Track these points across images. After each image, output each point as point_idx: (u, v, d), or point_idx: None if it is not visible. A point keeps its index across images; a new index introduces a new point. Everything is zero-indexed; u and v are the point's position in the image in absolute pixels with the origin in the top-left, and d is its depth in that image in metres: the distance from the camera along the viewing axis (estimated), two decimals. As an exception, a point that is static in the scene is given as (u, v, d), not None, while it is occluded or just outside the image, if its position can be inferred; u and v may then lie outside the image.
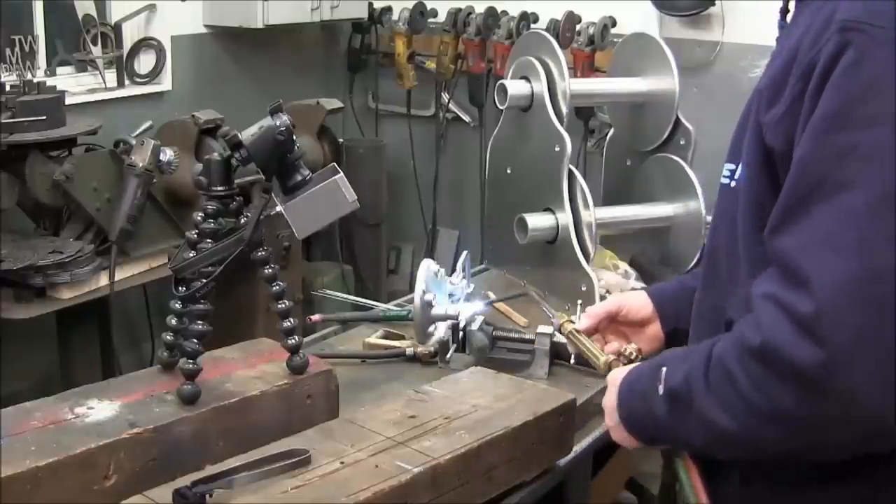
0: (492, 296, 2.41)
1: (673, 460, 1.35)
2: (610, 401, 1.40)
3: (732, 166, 1.27)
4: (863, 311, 1.02)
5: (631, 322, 1.65)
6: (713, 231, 1.35)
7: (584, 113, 3.95)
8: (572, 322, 1.69)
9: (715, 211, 1.35)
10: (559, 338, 1.98)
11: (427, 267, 1.94)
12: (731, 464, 1.27)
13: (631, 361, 1.52)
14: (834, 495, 1.19)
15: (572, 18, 3.99)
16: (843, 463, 1.15)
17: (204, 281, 1.47)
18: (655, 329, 1.64)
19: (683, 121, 2.54)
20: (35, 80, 3.15)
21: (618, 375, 1.40)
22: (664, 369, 1.25)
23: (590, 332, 1.65)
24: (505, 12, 4.24)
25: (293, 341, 1.58)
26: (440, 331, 1.94)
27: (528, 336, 2.02)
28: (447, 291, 1.98)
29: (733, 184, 1.26)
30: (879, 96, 1.04)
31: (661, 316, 1.64)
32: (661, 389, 1.24)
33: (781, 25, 1.35)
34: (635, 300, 1.67)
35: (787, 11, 1.31)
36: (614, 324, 1.66)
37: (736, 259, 1.24)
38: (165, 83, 3.96)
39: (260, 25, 3.98)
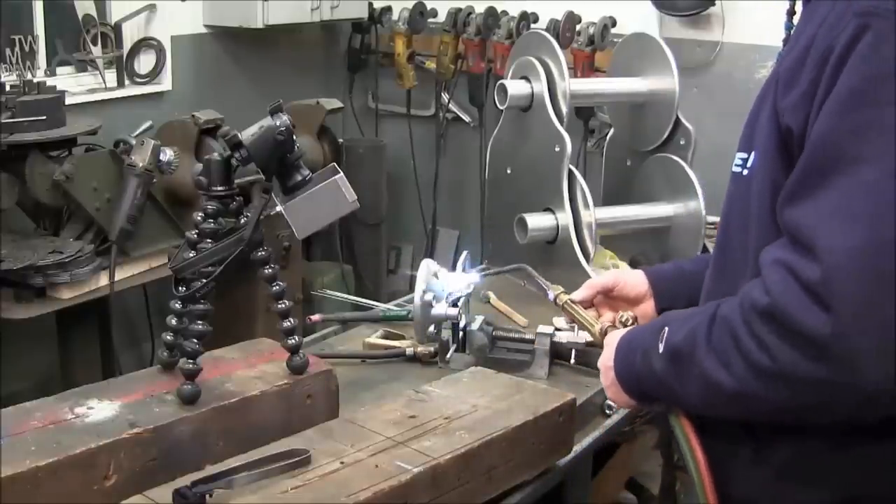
0: (492, 295, 2.41)
1: (668, 417, 1.36)
2: (605, 360, 1.43)
3: (745, 155, 1.30)
4: (869, 280, 1.05)
5: (625, 298, 1.68)
6: (725, 219, 1.38)
7: (584, 113, 3.95)
8: (567, 293, 1.71)
9: (726, 199, 1.37)
10: (559, 337, 1.98)
11: (427, 267, 1.94)
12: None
13: (626, 327, 1.54)
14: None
15: (572, 18, 3.99)
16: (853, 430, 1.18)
17: (204, 281, 1.47)
18: (648, 307, 1.67)
19: (683, 121, 2.54)
20: (35, 80, 3.15)
21: (615, 336, 1.44)
22: (666, 328, 1.28)
23: (585, 304, 1.69)
24: (505, 12, 4.24)
25: (293, 341, 1.58)
26: (438, 309, 1.91)
27: (528, 336, 2.02)
28: (447, 291, 1.97)
29: (745, 172, 1.29)
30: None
31: (657, 294, 1.67)
32: (661, 347, 1.27)
33: (788, 27, 1.38)
34: (631, 277, 1.71)
35: (794, 13, 1.34)
36: (608, 299, 1.70)
37: (748, 245, 1.27)
38: (165, 83, 3.96)
39: (260, 25, 3.98)
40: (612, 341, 1.44)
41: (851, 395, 1.08)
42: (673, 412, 1.35)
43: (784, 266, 1.11)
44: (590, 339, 1.92)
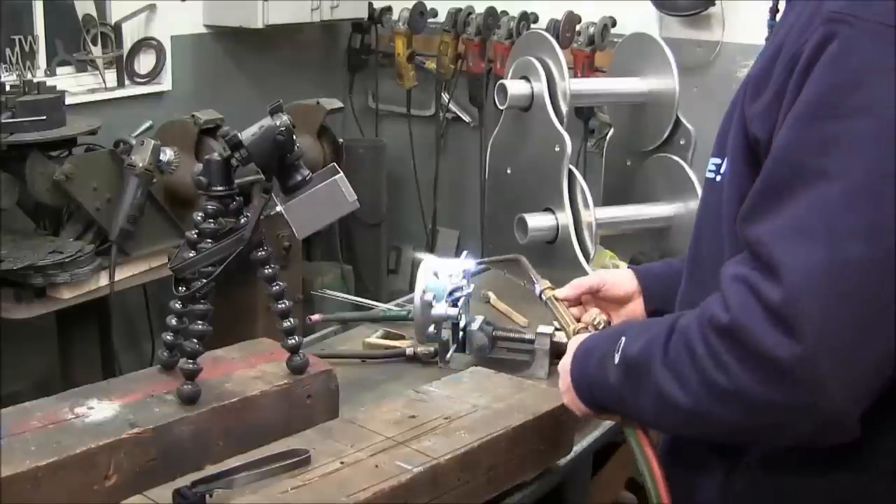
0: (492, 295, 2.41)
1: (623, 430, 1.34)
2: (564, 364, 1.40)
3: (718, 161, 1.26)
4: (830, 303, 1.00)
5: (612, 297, 1.64)
6: (698, 225, 1.34)
7: (584, 113, 3.95)
8: (553, 289, 1.68)
9: (700, 205, 1.34)
10: (559, 337, 1.98)
11: (427, 267, 1.94)
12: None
13: (598, 331, 1.51)
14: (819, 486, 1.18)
15: (572, 18, 3.99)
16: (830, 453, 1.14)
17: (204, 281, 1.47)
18: (636, 306, 1.63)
19: (683, 121, 2.54)
20: (35, 80, 3.15)
21: (576, 340, 1.41)
22: (623, 338, 1.24)
23: (571, 303, 1.64)
24: (505, 12, 4.24)
25: (293, 341, 1.58)
26: (438, 309, 1.90)
27: (528, 336, 2.02)
28: (447, 291, 1.97)
29: (718, 178, 1.25)
30: (862, 87, 1.03)
31: (646, 294, 1.63)
32: (617, 358, 1.23)
33: (771, 25, 1.35)
34: (619, 276, 1.67)
35: (777, 11, 1.31)
36: (596, 298, 1.65)
37: (719, 253, 1.23)
38: (165, 83, 3.96)
39: (260, 25, 3.98)
40: (572, 346, 1.41)
41: (811, 418, 1.05)
42: (629, 424, 1.33)
43: (745, 283, 1.06)
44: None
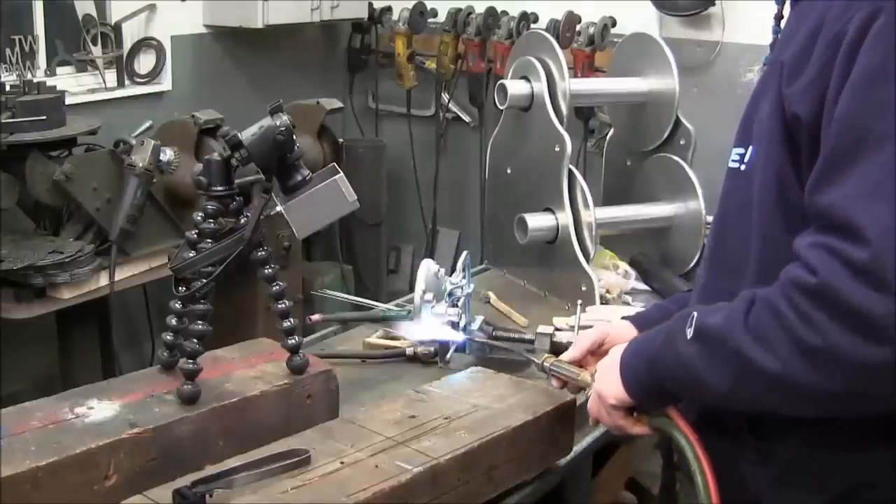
0: (492, 295, 2.41)
1: (661, 420, 1.35)
2: (610, 360, 1.41)
3: (742, 150, 1.30)
4: None
5: None
6: (721, 215, 1.37)
7: (584, 113, 3.95)
8: (552, 356, 1.66)
9: (723, 195, 1.36)
10: (559, 337, 1.99)
11: (427, 267, 1.94)
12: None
13: None
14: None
15: (572, 18, 3.99)
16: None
17: (204, 281, 1.47)
18: None
19: (683, 121, 2.54)
20: (35, 80, 3.15)
21: (619, 346, 1.42)
22: (695, 313, 1.24)
23: (576, 363, 1.62)
24: (505, 12, 4.24)
25: (293, 341, 1.58)
26: (438, 309, 1.90)
27: (528, 336, 2.02)
28: (447, 291, 1.97)
29: (743, 167, 1.29)
30: None
31: None
32: (690, 333, 1.23)
33: (776, 31, 1.38)
34: (617, 329, 1.67)
35: (782, 18, 1.34)
36: (597, 355, 1.62)
37: (746, 240, 1.26)
38: (165, 83, 3.96)
39: (260, 25, 3.98)
40: (617, 349, 1.42)
41: None
42: (662, 414, 1.33)
43: (825, 248, 1.08)
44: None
